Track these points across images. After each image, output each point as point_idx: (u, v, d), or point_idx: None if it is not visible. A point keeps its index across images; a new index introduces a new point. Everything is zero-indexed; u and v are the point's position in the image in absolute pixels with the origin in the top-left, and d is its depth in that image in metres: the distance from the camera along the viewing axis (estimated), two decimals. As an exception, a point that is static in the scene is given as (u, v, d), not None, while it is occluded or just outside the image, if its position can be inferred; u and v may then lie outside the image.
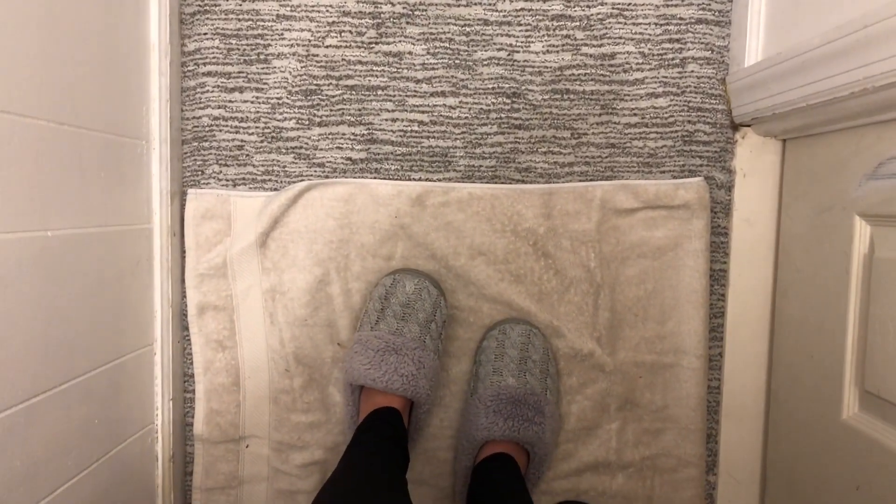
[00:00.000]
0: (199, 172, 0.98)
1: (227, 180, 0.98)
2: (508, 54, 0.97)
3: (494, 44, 0.97)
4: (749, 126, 0.97)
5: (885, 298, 0.71)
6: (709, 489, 1.01)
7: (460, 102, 0.98)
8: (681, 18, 0.97)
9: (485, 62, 0.97)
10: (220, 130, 0.98)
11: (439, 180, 0.98)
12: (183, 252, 0.98)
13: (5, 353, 0.64)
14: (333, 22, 0.97)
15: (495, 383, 0.90)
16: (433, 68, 0.97)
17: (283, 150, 0.98)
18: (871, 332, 0.74)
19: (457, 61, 0.97)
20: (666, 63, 0.97)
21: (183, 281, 0.98)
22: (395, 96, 0.97)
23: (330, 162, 0.98)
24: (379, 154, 0.98)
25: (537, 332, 0.95)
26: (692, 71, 0.97)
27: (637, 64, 0.97)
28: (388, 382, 0.84)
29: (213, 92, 0.98)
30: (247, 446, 1.00)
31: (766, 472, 0.99)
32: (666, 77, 0.97)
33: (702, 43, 0.97)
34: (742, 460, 1.01)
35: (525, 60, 0.97)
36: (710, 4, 0.96)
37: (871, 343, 0.73)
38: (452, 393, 0.99)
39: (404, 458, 0.83)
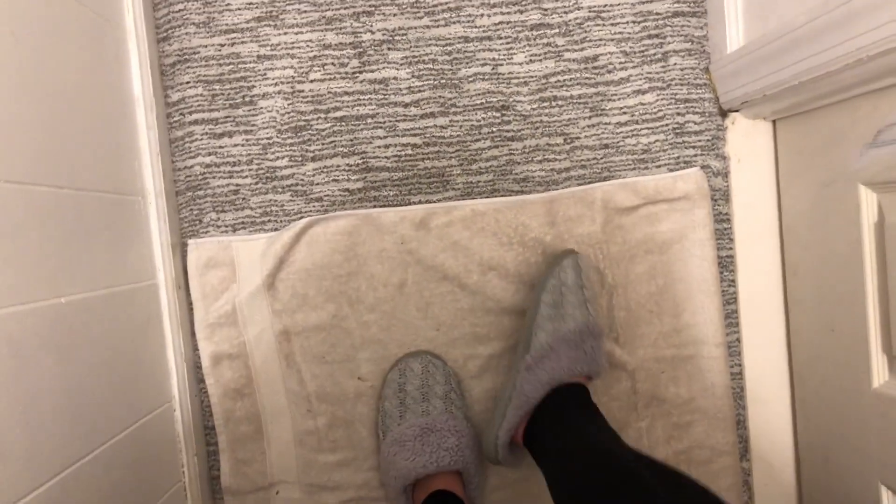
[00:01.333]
0: (197, 222, 0.97)
1: (227, 226, 0.97)
2: (493, 68, 0.97)
3: (477, 59, 0.97)
4: (737, 111, 0.98)
5: (903, 263, 0.72)
6: (744, 475, 1.01)
7: (451, 121, 0.98)
8: (657, 13, 0.98)
9: (470, 79, 0.97)
10: (214, 177, 0.97)
11: (439, 200, 0.97)
12: (190, 304, 0.96)
13: (35, 428, 0.62)
14: (315, 56, 0.97)
15: (580, 319, 0.86)
16: (420, 91, 0.97)
17: (280, 190, 0.97)
18: (893, 297, 0.74)
19: (442, 81, 0.97)
20: (648, 59, 0.98)
21: (193, 333, 0.96)
22: (385, 123, 0.97)
23: (328, 195, 0.97)
24: (376, 182, 0.97)
25: (585, 258, 0.92)
26: (675, 64, 0.98)
27: (620, 63, 0.98)
28: (438, 461, 0.84)
29: (202, 139, 0.97)
30: (277, 493, 0.98)
31: (800, 452, 0.99)
32: (650, 73, 0.98)
33: (681, 35, 0.98)
34: (774, 443, 1.01)
35: (510, 72, 0.98)
36: (684, -3, 0.98)
37: (895, 308, 0.74)
38: (476, 412, 0.98)
39: None
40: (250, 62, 0.97)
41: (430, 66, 0.97)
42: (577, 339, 0.85)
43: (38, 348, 0.64)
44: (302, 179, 0.97)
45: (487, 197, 0.98)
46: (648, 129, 0.98)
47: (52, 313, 0.67)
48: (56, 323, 0.67)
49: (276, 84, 0.97)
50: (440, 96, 0.97)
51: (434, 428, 0.86)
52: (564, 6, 0.97)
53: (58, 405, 0.66)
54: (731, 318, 1.00)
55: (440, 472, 0.85)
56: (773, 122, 0.97)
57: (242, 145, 0.97)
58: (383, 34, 0.97)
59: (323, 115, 0.97)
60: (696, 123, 0.98)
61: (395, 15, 0.97)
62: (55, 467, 0.65)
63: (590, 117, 0.98)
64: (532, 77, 0.97)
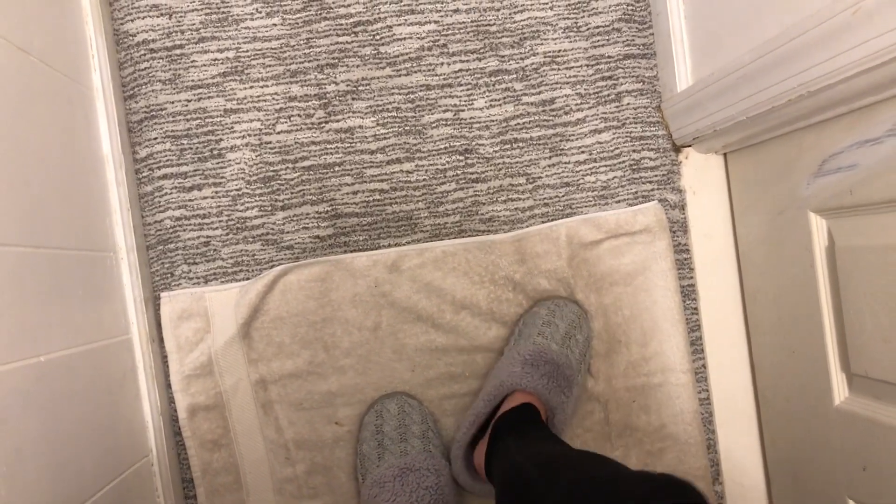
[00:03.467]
0: (169, 275, 0.98)
1: (199, 278, 0.98)
2: (454, 114, 1.01)
3: (440, 106, 1.01)
4: (690, 146, 1.03)
5: (854, 283, 0.76)
6: (717, 499, 1.03)
7: (416, 166, 1.00)
8: (609, 56, 1.02)
9: (433, 125, 1.01)
10: (184, 230, 0.98)
11: (408, 243, 1.00)
12: (165, 357, 0.96)
13: (20, 487, 0.62)
14: (281, 108, 0.99)
15: (538, 343, 0.90)
16: (385, 138, 1.00)
17: (250, 239, 0.99)
18: (847, 317, 0.78)
19: (407, 128, 1.00)
20: (603, 100, 1.02)
21: (169, 386, 0.96)
22: (352, 170, 1.00)
23: (298, 243, 0.99)
24: (346, 227, 0.99)
25: (587, 318, 0.97)
26: (628, 104, 1.02)
27: (576, 105, 1.02)
28: (418, 500, 0.84)
29: (171, 193, 0.98)
30: (258, 543, 0.97)
31: (769, 472, 1.02)
32: (605, 113, 1.02)
33: (633, 76, 1.02)
34: (744, 465, 1.04)
35: (471, 117, 1.01)
36: (633, 40, 1.02)
37: (850, 328, 0.78)
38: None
39: None
40: (217, 116, 0.98)
41: (395, 113, 1.00)
42: (536, 359, 0.88)
43: (21, 407, 0.64)
44: (272, 228, 0.99)
45: (455, 238, 1.00)
46: (606, 166, 1.02)
47: (32, 372, 0.67)
48: (36, 382, 0.67)
49: (243, 136, 0.99)
50: (405, 142, 1.00)
51: (413, 468, 0.87)
52: (520, 52, 1.01)
53: (40, 463, 0.66)
54: (696, 345, 1.03)
55: None
56: (725, 155, 1.02)
57: (212, 197, 0.98)
58: (347, 85, 1.00)
59: (291, 165, 0.99)
60: (651, 159, 1.02)
61: (357, 66, 1.00)
62: (39, 528, 0.65)
63: (550, 157, 1.02)
64: (493, 121, 1.01)
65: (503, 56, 1.01)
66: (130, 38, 0.98)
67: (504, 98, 1.01)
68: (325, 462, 0.97)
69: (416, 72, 1.00)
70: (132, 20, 0.98)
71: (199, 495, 0.96)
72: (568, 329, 0.94)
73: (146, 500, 0.89)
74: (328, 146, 0.99)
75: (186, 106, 0.98)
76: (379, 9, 1.00)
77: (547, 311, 0.95)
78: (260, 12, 0.99)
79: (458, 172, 1.01)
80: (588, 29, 1.02)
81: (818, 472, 0.88)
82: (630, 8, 1.02)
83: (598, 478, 0.62)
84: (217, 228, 0.98)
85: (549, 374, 0.87)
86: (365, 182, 1.00)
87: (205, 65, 0.98)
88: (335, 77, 0.99)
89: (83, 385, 0.77)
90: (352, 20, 1.00)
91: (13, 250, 0.67)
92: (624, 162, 1.02)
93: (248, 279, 0.98)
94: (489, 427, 0.88)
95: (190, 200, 0.98)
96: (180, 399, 0.96)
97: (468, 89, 1.01)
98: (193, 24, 0.98)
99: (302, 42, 0.99)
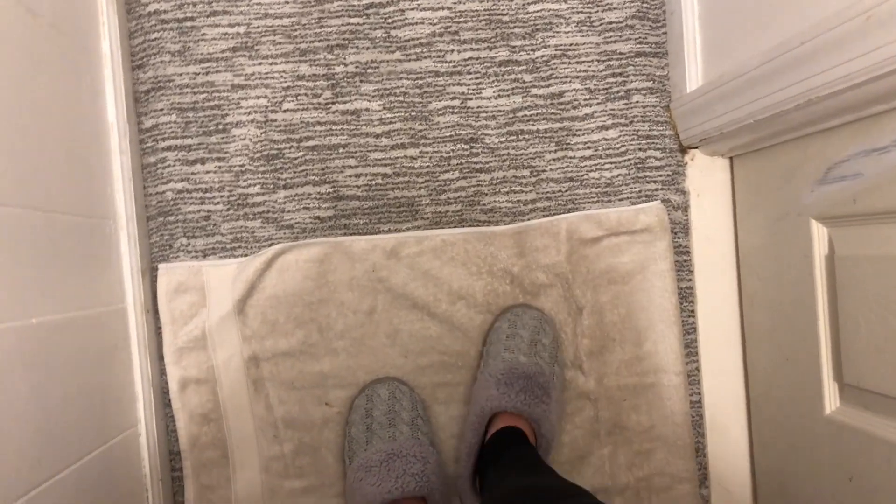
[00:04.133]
0: (168, 247, 0.98)
1: (197, 252, 0.98)
2: (462, 102, 1.00)
3: (447, 93, 1.00)
4: (696, 148, 1.02)
5: (852, 292, 0.76)
6: (703, 502, 1.03)
7: (421, 152, 1.00)
8: (621, 53, 1.02)
9: (440, 112, 1.00)
10: (185, 203, 0.98)
11: (408, 229, 0.99)
12: (158, 328, 0.96)
13: (5, 446, 0.62)
14: (289, 87, 0.99)
15: (507, 359, 0.91)
16: (391, 122, 1.00)
17: (251, 216, 0.99)
18: (843, 327, 0.77)
19: (413, 113, 1.00)
20: (612, 96, 1.02)
21: (161, 358, 0.96)
22: (356, 152, 0.99)
23: (298, 223, 0.99)
24: (346, 210, 0.99)
25: (549, 319, 0.97)
26: (637, 101, 1.02)
27: (585, 100, 1.02)
28: (403, 486, 0.84)
29: (174, 166, 0.98)
30: (241, 520, 0.98)
31: (757, 479, 1.02)
32: (613, 109, 1.02)
33: (643, 74, 1.02)
34: (731, 470, 1.03)
35: (478, 106, 1.01)
36: (646, 38, 1.02)
37: (845, 337, 0.77)
38: (442, 439, 0.99)
39: None
40: (224, 91, 0.98)
41: (402, 98, 1.00)
42: (508, 377, 0.88)
43: (10, 368, 0.64)
44: (273, 207, 0.99)
45: (455, 227, 1.00)
46: (612, 163, 1.02)
47: (23, 334, 0.67)
48: (27, 343, 0.67)
49: (249, 113, 0.98)
50: (411, 128, 1.00)
51: (400, 454, 0.87)
52: (532, 44, 1.01)
53: (27, 424, 0.66)
54: (690, 348, 1.03)
55: (405, 497, 0.86)
56: (731, 158, 1.01)
57: (215, 172, 0.98)
58: (356, 67, 0.99)
59: (295, 144, 0.99)
60: (657, 159, 1.02)
61: (367, 48, 0.99)
62: (23, 486, 0.65)
63: (555, 151, 1.01)
64: (500, 111, 1.01)
65: (514, 46, 1.01)
66: (142, 7, 0.98)
67: (513, 89, 1.01)
68: (312, 442, 0.97)
69: (425, 57, 1.00)
70: (144, -10, 0.97)
71: (186, 468, 0.97)
72: (532, 336, 0.94)
73: (132, 470, 0.89)
74: (333, 127, 0.99)
75: (194, 79, 0.98)
76: (392, -8, 0.99)
77: (508, 324, 0.95)
78: (273, -11, 0.98)
79: (463, 161, 1.00)
80: (601, 24, 1.01)
81: (805, 481, 0.88)
82: (645, 6, 1.02)
83: None
84: (218, 203, 0.98)
85: (525, 389, 0.87)
86: (368, 166, 0.99)
87: (215, 38, 0.98)
88: (344, 58, 0.99)
89: (75, 350, 0.77)
90: (364, 2, 0.99)
91: (11, 210, 0.67)
92: (629, 160, 1.02)
93: (246, 256, 0.98)
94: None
95: (192, 174, 0.98)
96: (172, 371, 0.96)
97: (477, 78, 1.00)
98: (205, -2, 0.98)
99: (313, 21, 0.99)
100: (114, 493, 0.83)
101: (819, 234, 0.81)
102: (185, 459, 0.97)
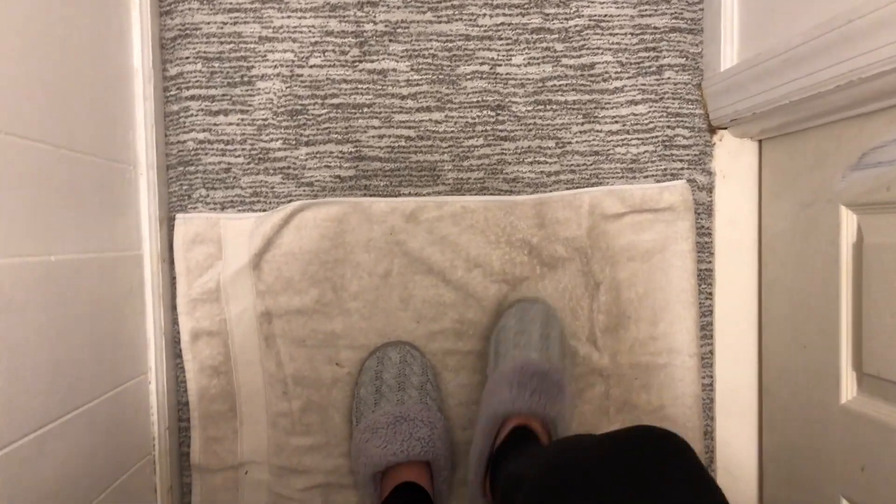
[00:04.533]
0: (186, 197, 0.97)
1: (215, 204, 0.97)
2: (491, 68, 0.99)
3: (477, 58, 0.99)
4: (726, 129, 1.00)
5: (878, 281, 0.74)
6: (708, 486, 1.02)
7: (446, 117, 0.99)
8: (655, 28, 1.00)
9: (468, 76, 0.99)
10: (206, 154, 0.97)
11: (429, 194, 0.98)
12: (173, 278, 0.96)
13: (19, 380, 0.62)
14: (316, 42, 0.97)
15: (518, 357, 0.87)
16: (418, 84, 0.98)
17: (271, 171, 0.98)
18: (866, 315, 0.76)
19: (441, 76, 0.98)
20: (643, 71, 1.00)
21: (174, 308, 0.96)
22: (381, 113, 0.98)
23: (318, 181, 0.98)
24: (367, 171, 0.98)
25: (554, 311, 0.96)
26: (669, 78, 1.00)
27: (616, 73, 1.00)
28: (409, 450, 0.83)
29: (197, 115, 0.97)
30: (246, 473, 0.98)
31: (763, 466, 1.01)
32: (644, 85, 1.00)
33: (677, 51, 1.00)
34: (739, 455, 1.03)
35: (507, 73, 0.99)
36: (682, 14, 1.00)
37: (868, 327, 0.76)
38: (450, 406, 0.98)
39: None
40: (251, 42, 0.97)
41: (430, 60, 0.98)
42: (521, 377, 0.84)
43: (26, 303, 0.64)
44: (294, 163, 0.98)
45: (476, 194, 0.99)
46: (639, 139, 1.00)
47: (41, 270, 0.66)
48: (44, 280, 0.67)
49: (275, 66, 0.97)
50: (437, 91, 0.98)
51: (407, 417, 0.87)
52: (566, 13, 0.99)
53: (40, 361, 0.66)
54: (706, 330, 1.02)
55: (410, 461, 0.85)
56: (760, 141, 1.00)
57: (237, 124, 0.97)
58: (386, 26, 0.98)
59: (320, 101, 0.98)
60: (685, 137, 1.00)
61: (398, 7, 0.98)
62: (34, 423, 0.65)
63: (582, 123, 1.00)
64: (529, 80, 0.99)
65: (547, 14, 0.99)
66: (172, -48, 0.96)
67: (543, 57, 0.99)
68: (321, 401, 0.97)
69: (457, 20, 0.98)
70: (176, -65, 0.96)
71: (193, 419, 0.97)
72: (541, 331, 0.91)
73: (140, 417, 0.89)
74: (359, 86, 0.98)
75: (222, 28, 0.97)
76: (427, -49, 0.98)
77: (515, 321, 0.92)
78: (306, -59, 0.97)
79: (488, 128, 0.99)
80: (637, -4, 0.99)
81: (814, 469, 0.88)
82: (683, -20, 1.00)
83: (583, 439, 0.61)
84: (239, 156, 0.98)
85: (539, 390, 0.83)
86: (392, 127, 0.98)
87: (244, -11, 0.97)
88: (374, 16, 0.97)
89: (89, 292, 0.77)
90: (398, -40, 0.98)
91: (34, 145, 0.66)
92: (657, 137, 1.00)
93: (264, 210, 0.97)
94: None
95: (215, 124, 0.97)
96: (184, 322, 0.96)
97: (508, 44, 0.99)
98: (237, -54, 0.96)
99: (345, -24, 0.97)
100: (121, 438, 0.83)
101: (848, 222, 0.80)
102: (192, 410, 0.97)
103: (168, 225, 0.96)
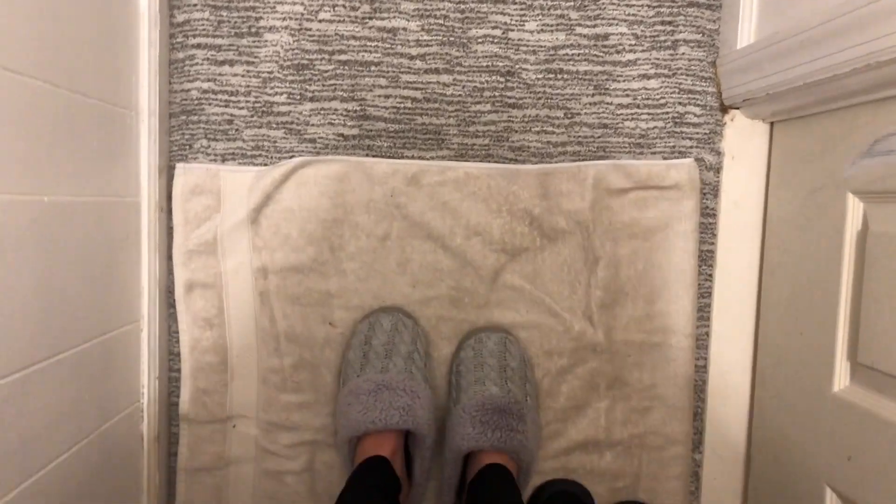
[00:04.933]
0: (188, 147, 0.96)
1: (216, 155, 0.96)
2: (503, 32, 0.97)
3: (489, 22, 0.97)
4: (738, 109, 0.99)
5: (879, 271, 0.73)
6: (695, 467, 1.03)
7: (454, 80, 0.97)
8: (673, 1, 0.98)
9: (479, 40, 0.97)
10: (210, 104, 0.96)
11: (432, 158, 0.97)
12: (170, 228, 0.95)
13: (5, 319, 0.62)
14: (327, -4, 0.96)
15: (479, 392, 0.89)
16: (427, 45, 0.97)
17: (274, 125, 0.97)
18: (865, 305, 0.75)
19: (451, 38, 0.97)
20: (658, 45, 0.98)
21: (170, 258, 0.96)
22: (388, 72, 0.97)
23: (321, 138, 0.97)
24: (371, 131, 0.97)
25: (513, 339, 0.96)
26: (683, 53, 0.98)
27: (630, 45, 0.98)
28: (387, 419, 0.84)
29: (202, 64, 0.95)
30: (234, 426, 0.98)
31: (752, 449, 1.01)
32: (658, 59, 0.98)
33: (693, 26, 0.98)
34: (727, 438, 1.03)
35: (519, 39, 0.97)
36: (701, -12, 0.98)
37: (866, 317, 0.75)
38: (442, 374, 0.98)
39: None
40: (261, -7, 0.95)
41: (441, 21, 0.96)
42: (482, 414, 0.86)
43: (17, 240, 0.63)
44: (298, 118, 0.96)
45: (481, 161, 0.98)
46: (649, 114, 0.98)
47: (34, 209, 0.66)
48: (36, 220, 0.66)
49: (283, 19, 0.95)
50: (447, 53, 0.97)
51: (390, 385, 0.87)
52: (582, -20, 0.97)
53: (28, 301, 0.66)
54: (703, 312, 1.01)
55: (388, 429, 0.85)
56: (771, 124, 0.98)
57: (242, 76, 0.96)
58: (398, -17, 0.96)
59: (327, 57, 0.96)
60: (696, 115, 0.99)
61: (412, -35, 0.96)
62: (19, 363, 0.64)
63: (592, 95, 0.98)
64: (541, 47, 0.97)
65: (564, -19, 0.97)
66: None
67: (557, 25, 0.97)
68: (312, 359, 0.97)
69: (471, -18, 0.96)
70: None
71: (184, 370, 0.97)
72: (499, 363, 0.92)
73: (130, 365, 0.89)
74: (368, 43, 0.96)
75: (231, -23, 0.95)
76: None
77: (473, 353, 0.94)
78: None
79: (496, 94, 0.97)
80: (657, -32, 0.97)
81: (801, 456, 0.87)
82: (705, -47, 0.97)
83: None
84: (243, 108, 0.96)
85: (500, 426, 0.85)
86: (399, 87, 0.97)
87: (256, -63, 0.95)
88: (387, -27, 0.95)
89: (83, 236, 0.76)
90: (414, -84, 0.95)
91: (29, 81, 0.65)
92: (667, 113, 0.98)
93: (265, 165, 0.96)
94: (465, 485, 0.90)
95: (220, 75, 0.96)
96: (179, 273, 0.95)
97: (522, 9, 0.97)
98: None
99: (359, -70, 0.95)
100: (109, 384, 0.83)
101: (854, 209, 0.78)
102: (184, 361, 0.97)
103: (168, 174, 0.96)
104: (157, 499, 0.94)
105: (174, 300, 0.96)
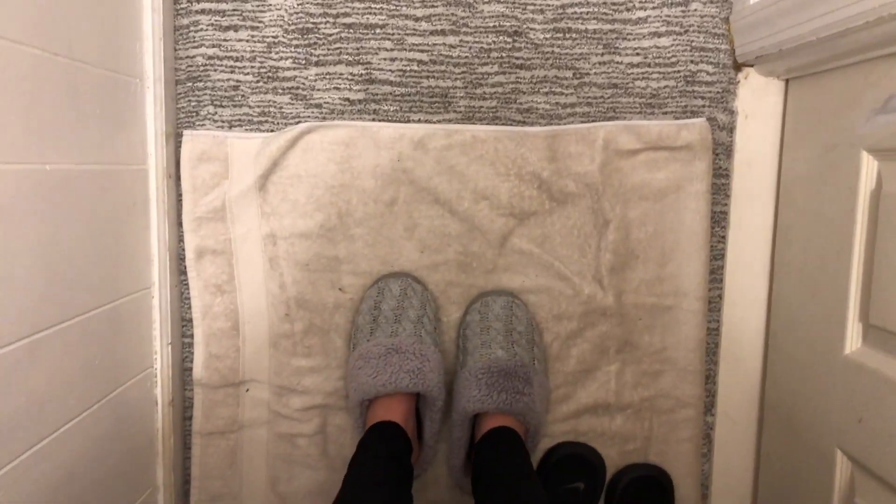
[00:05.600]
0: (194, 113, 0.96)
1: (223, 122, 0.96)
2: (510, -8, 0.95)
3: (495, -19, 0.95)
4: (752, 66, 0.96)
5: (892, 232, 0.72)
6: (706, 429, 1.02)
7: (460, 41, 0.96)
8: (685, -45, 0.95)
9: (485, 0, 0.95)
10: (215, 70, 0.96)
11: (439, 121, 0.96)
12: (179, 195, 0.96)
13: (8, 286, 0.63)
14: (330, -43, 0.94)
15: (485, 356, 0.90)
16: (433, 6, 0.95)
17: (280, 91, 0.96)
18: (877, 266, 0.74)
19: (457, -1, 0.95)
20: (669, 1, 0.95)
21: (180, 224, 0.96)
22: (393, 35, 0.95)
23: (327, 103, 0.96)
24: (377, 95, 0.96)
25: (520, 303, 0.96)
26: (696, 10, 0.95)
27: (640, 2, 0.96)
28: (397, 382, 0.84)
29: (207, 30, 0.95)
30: (247, 390, 0.99)
31: (764, 412, 1.00)
32: (669, 16, 0.96)
33: (706, -19, 0.95)
34: (739, 401, 1.02)
35: (527, -2, 0.95)
36: (714, -59, 0.95)
37: (878, 277, 0.74)
38: (451, 339, 0.98)
39: (406, 474, 0.82)
40: (264, -44, 0.94)
41: (447, -19, 0.95)
42: (489, 376, 0.87)
43: (18, 209, 0.64)
44: (303, 83, 0.96)
45: (488, 124, 0.96)
46: (660, 73, 0.96)
47: (35, 178, 0.66)
48: (39, 188, 0.67)
49: (287, -18, 0.94)
50: (453, 14, 0.95)
51: (399, 349, 0.87)
52: (591, -64, 0.94)
53: (34, 268, 0.67)
54: (715, 274, 1.00)
55: (398, 392, 0.86)
56: (786, 81, 0.95)
57: (247, 41, 0.95)
58: (402, -57, 0.94)
59: (332, 20, 0.95)
60: (708, 74, 0.96)
61: (416, -76, 0.94)
62: (26, 328, 0.65)
63: (602, 54, 0.96)
64: (549, 5, 0.95)
65: (572, -63, 0.94)
66: None
67: (565, -17, 0.95)
68: (323, 325, 0.97)
69: (476, -60, 0.94)
70: None
71: (196, 336, 0.98)
72: (505, 326, 0.92)
73: (142, 331, 0.90)
74: (373, 5, 0.95)
75: (233, -60, 0.94)
76: None
77: (479, 317, 0.94)
78: None
79: (503, 55, 0.96)
80: (668, -79, 0.94)
81: (812, 419, 0.87)
82: None
83: None
84: (248, 74, 0.96)
85: (506, 388, 0.86)
86: (405, 50, 0.96)
87: None
88: (391, -68, 0.94)
89: (88, 203, 0.77)
90: None
91: (29, 51, 0.65)
92: (679, 72, 0.96)
93: (272, 131, 0.96)
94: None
95: (225, 40, 0.95)
96: (189, 239, 0.96)
97: (528, -33, 0.95)
98: None
99: None
100: (121, 350, 0.85)
101: (868, 168, 0.77)
102: (196, 327, 0.98)
103: (175, 141, 0.96)
104: (172, 461, 0.96)
105: (185, 267, 0.97)
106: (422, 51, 0.95)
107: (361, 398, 0.86)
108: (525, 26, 0.95)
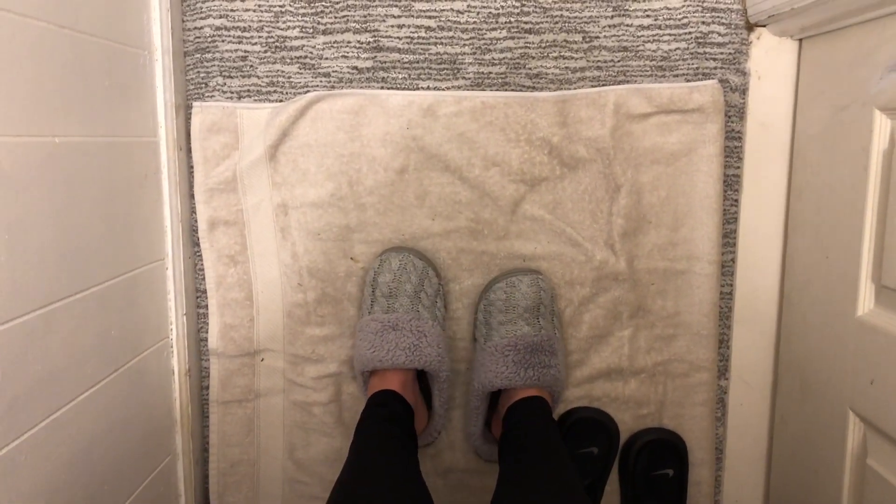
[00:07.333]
0: (203, 85, 0.96)
1: (232, 92, 0.96)
2: (517, -45, 0.94)
3: (503, -56, 0.94)
4: (764, 26, 0.95)
5: (905, 191, 0.71)
6: (720, 393, 1.02)
7: (468, 6, 0.95)
8: (696, -87, 0.93)
9: (493, -36, 0.94)
10: (223, 41, 0.95)
11: (448, 88, 0.96)
12: (191, 166, 0.96)
13: (21, 257, 0.64)
14: (336, -76, 0.93)
15: (511, 332, 0.90)
16: (440, -29, 0.94)
17: (288, 61, 0.96)
18: (889, 227, 0.73)
19: (464, -37, 0.94)
20: (680, -39, 0.94)
21: (192, 196, 0.97)
22: (400, 1, 0.95)
23: (336, 71, 0.96)
24: (385, 62, 0.96)
25: (544, 278, 0.96)
26: (707, -31, 0.94)
27: (650, -37, 0.94)
28: (393, 358, 0.86)
29: (213, 1, 0.95)
30: (262, 360, 1.00)
31: (778, 375, 1.00)
32: (680, -24, 0.94)
33: (717, -61, 0.93)
34: (754, 364, 1.02)
35: (535, -39, 0.94)
36: None
37: (890, 238, 0.73)
38: (464, 305, 0.99)
39: (409, 438, 0.82)
40: (269, -76, 0.93)
41: (453, -54, 0.94)
42: (515, 352, 0.89)
43: (27, 182, 0.64)
44: (311, 52, 0.96)
45: (498, 90, 0.96)
46: (671, 35, 0.95)
47: (44, 151, 0.67)
48: (48, 161, 0.68)
49: (293, -51, 0.94)
50: (460, -21, 0.94)
51: (395, 326, 0.88)
52: None
53: (46, 240, 0.67)
54: (728, 238, 0.99)
55: (395, 368, 0.87)
56: (799, 41, 0.94)
57: (254, 10, 0.95)
58: None
59: (338, -12, 0.94)
60: (720, 35, 0.95)
61: None
62: (40, 300, 0.66)
63: (612, 17, 0.95)
64: (557, -32, 0.94)
65: None
66: None
67: (573, -55, 0.94)
68: (335, 294, 0.98)
69: None
70: None
71: (211, 306, 0.99)
72: (530, 305, 0.92)
73: (157, 302, 0.91)
74: (379, -28, 0.94)
75: None
76: None
77: (504, 295, 0.93)
78: None
79: (512, 20, 0.95)
80: None
81: (826, 381, 0.86)
82: None
83: None
84: (256, 44, 0.96)
85: (532, 364, 0.88)
86: (412, 16, 0.95)
87: None
88: None
89: (99, 176, 0.77)
90: None
91: (35, 24, 0.65)
92: (690, 33, 0.95)
93: (281, 101, 0.96)
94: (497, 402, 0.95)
95: (232, 11, 0.95)
96: (202, 210, 0.97)
97: (536, -71, 0.93)
98: None
99: None
100: (135, 321, 0.86)
101: (881, 127, 0.76)
102: (210, 297, 0.99)
103: (185, 113, 0.96)
104: (190, 429, 0.98)
105: (198, 238, 0.98)
106: (429, 17, 0.95)
107: (362, 369, 0.89)
108: (533, -10, 0.94)
